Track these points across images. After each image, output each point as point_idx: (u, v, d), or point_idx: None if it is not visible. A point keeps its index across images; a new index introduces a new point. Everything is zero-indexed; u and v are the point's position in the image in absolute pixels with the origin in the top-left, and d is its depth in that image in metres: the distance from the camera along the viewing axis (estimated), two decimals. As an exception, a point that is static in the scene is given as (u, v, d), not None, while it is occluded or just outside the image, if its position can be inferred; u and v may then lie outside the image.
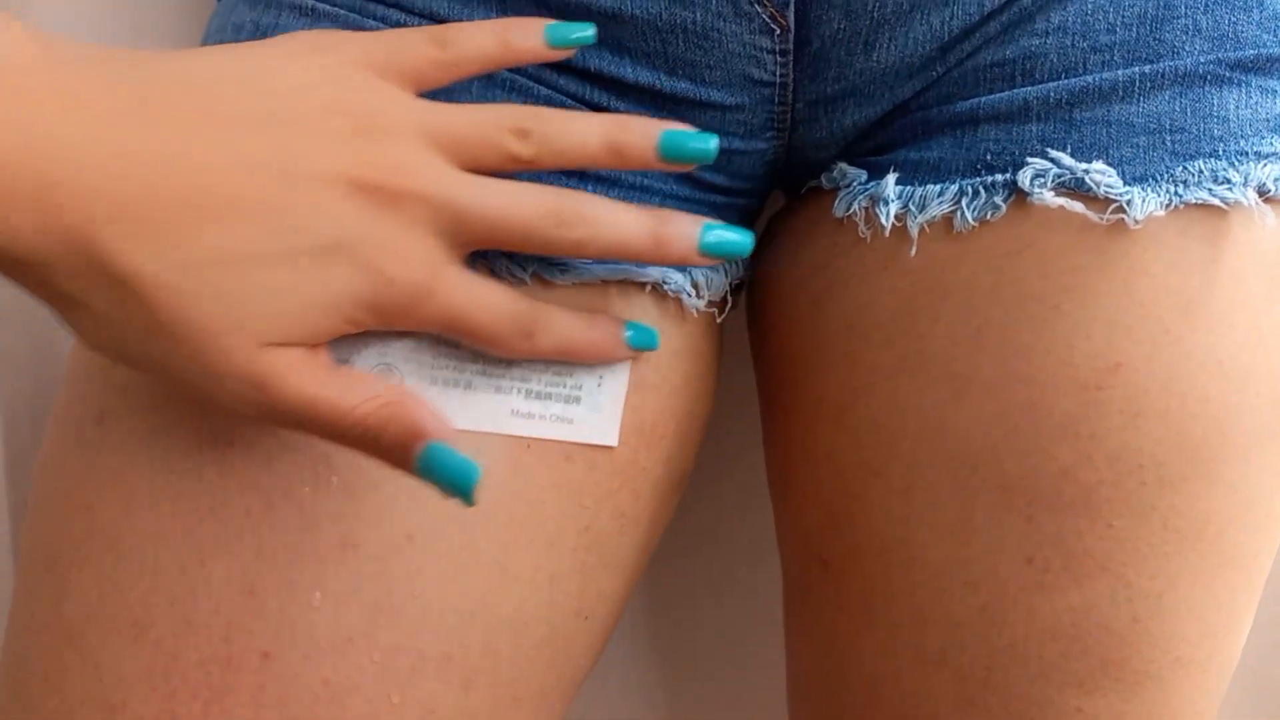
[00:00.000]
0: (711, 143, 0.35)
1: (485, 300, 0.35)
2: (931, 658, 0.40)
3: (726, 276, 0.44)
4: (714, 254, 0.36)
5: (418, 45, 0.34)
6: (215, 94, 0.31)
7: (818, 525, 0.43)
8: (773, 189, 0.45)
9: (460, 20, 0.38)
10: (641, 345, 0.38)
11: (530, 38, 0.35)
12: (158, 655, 0.35)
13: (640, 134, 0.35)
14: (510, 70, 0.38)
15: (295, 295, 0.31)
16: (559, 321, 0.36)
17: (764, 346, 0.46)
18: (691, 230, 0.36)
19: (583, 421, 0.38)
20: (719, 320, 0.43)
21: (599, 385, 0.38)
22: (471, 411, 0.37)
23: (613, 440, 0.39)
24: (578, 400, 0.38)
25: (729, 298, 0.43)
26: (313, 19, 0.38)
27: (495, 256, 0.38)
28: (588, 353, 0.37)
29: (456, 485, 0.32)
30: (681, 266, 0.41)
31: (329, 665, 0.35)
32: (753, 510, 0.53)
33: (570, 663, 0.41)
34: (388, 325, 0.34)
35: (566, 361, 0.38)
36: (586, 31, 0.36)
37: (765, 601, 0.51)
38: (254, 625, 0.35)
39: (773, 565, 0.47)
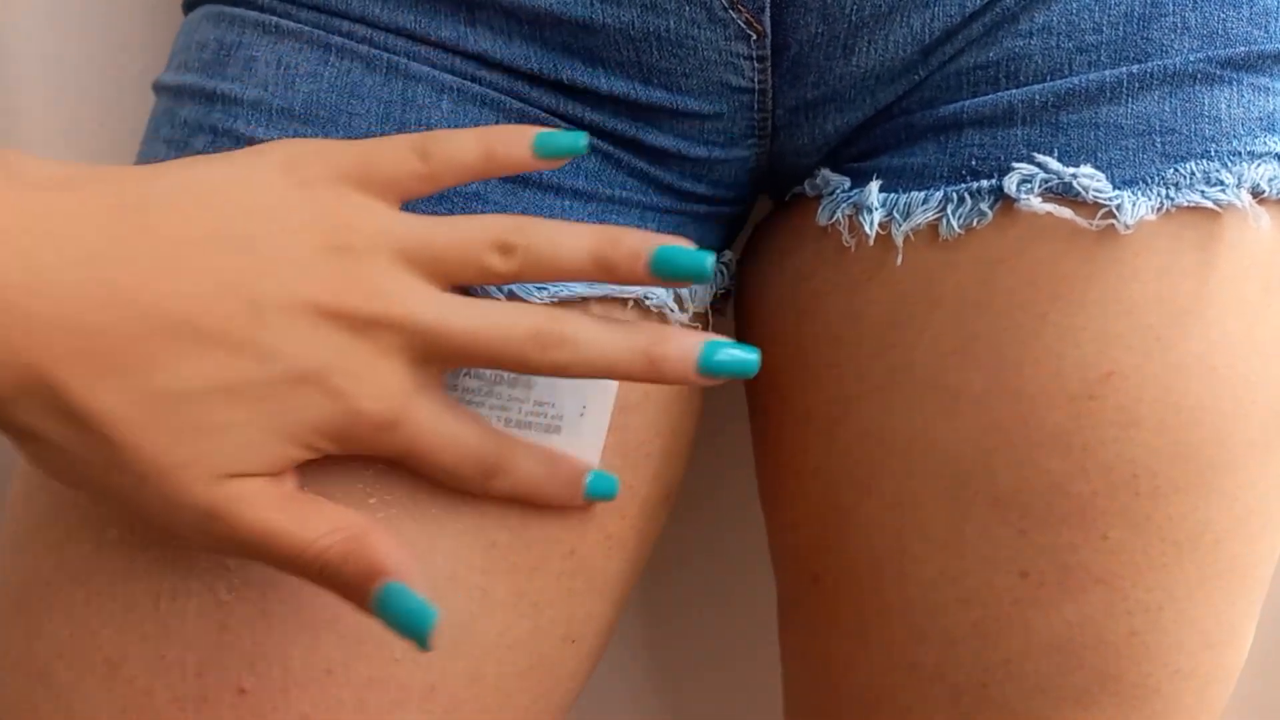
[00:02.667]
0: (708, 261, 0.33)
1: (452, 439, 0.33)
2: (927, 674, 0.39)
3: (711, 287, 0.43)
4: (715, 374, 0.34)
5: (398, 158, 0.33)
6: (180, 217, 0.30)
7: (809, 541, 0.42)
8: (757, 196, 0.44)
9: (429, 34, 0.37)
10: (598, 495, 0.37)
11: (517, 148, 0.33)
12: (130, 693, 0.34)
13: (630, 251, 0.33)
14: (482, 85, 0.37)
15: (258, 426, 0.30)
16: (522, 468, 0.35)
17: None
18: (692, 350, 0.33)
19: (562, 451, 0.37)
20: None
21: (581, 415, 0.37)
22: None
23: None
24: (558, 430, 0.37)
25: (711, 313, 0.42)
26: (276, 36, 0.37)
27: None
28: (541, 502, 0.36)
29: (411, 629, 0.30)
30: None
31: (307, 699, 0.34)
32: (745, 525, 0.52)
33: (558, 687, 0.40)
34: (347, 452, 0.32)
35: (559, 383, 0.37)
36: (579, 141, 0.34)
37: (760, 617, 0.50)
38: (228, 660, 0.34)
39: (766, 581, 0.46)
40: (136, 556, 0.34)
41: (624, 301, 0.39)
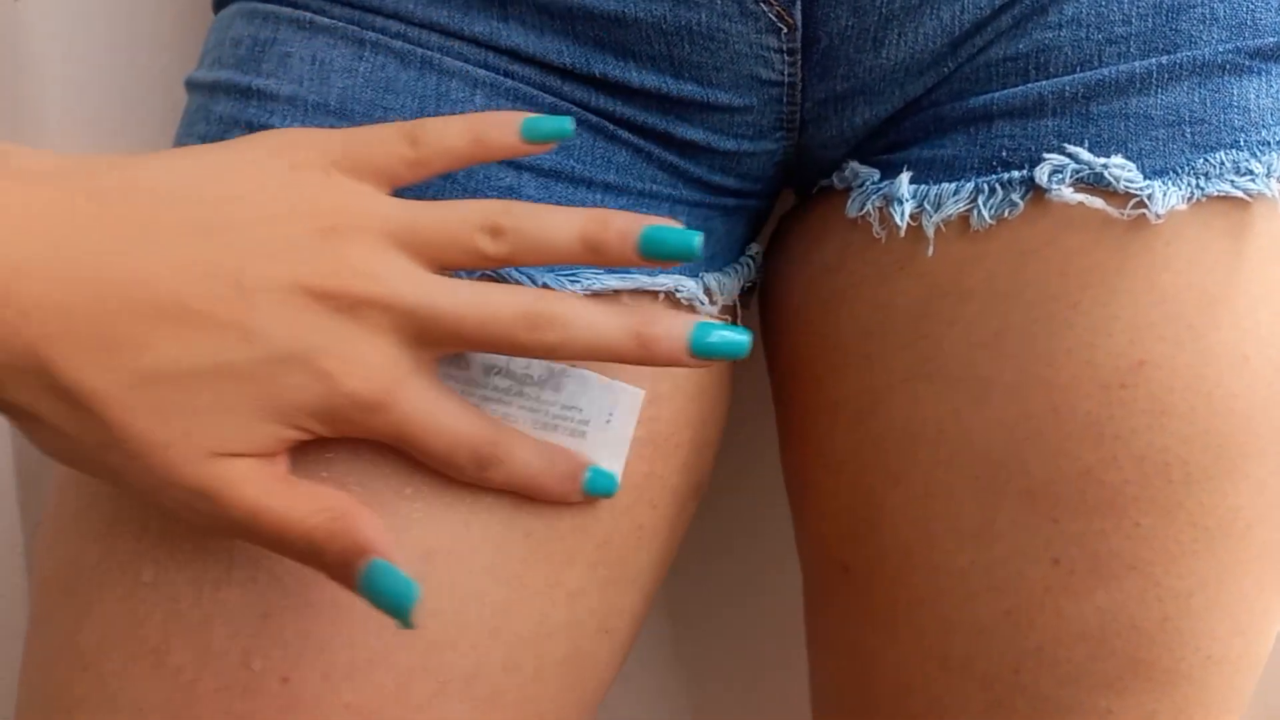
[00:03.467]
0: (695, 240, 0.33)
1: (443, 424, 0.34)
2: (957, 664, 0.39)
3: (739, 279, 0.43)
4: (707, 355, 0.34)
5: (387, 143, 0.33)
6: (170, 203, 0.31)
7: (838, 532, 0.42)
8: (783, 188, 0.44)
9: (462, 29, 0.37)
10: (597, 492, 0.37)
11: (505, 134, 0.34)
12: (176, 683, 0.34)
13: (619, 233, 0.33)
14: (515, 80, 0.37)
15: (245, 407, 0.31)
16: (518, 458, 0.35)
17: (777, 350, 0.45)
18: (681, 330, 0.34)
19: (579, 450, 0.37)
20: None
21: (607, 422, 0.37)
22: None
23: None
24: (583, 434, 0.37)
25: (739, 304, 0.43)
26: (310, 32, 0.37)
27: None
28: (536, 495, 0.36)
29: (394, 606, 0.31)
30: (693, 270, 0.40)
31: (350, 688, 0.35)
32: (772, 516, 0.52)
33: (593, 678, 0.40)
34: (338, 434, 0.33)
35: (588, 388, 0.37)
36: (566, 126, 0.34)
37: (786, 609, 0.50)
38: (272, 649, 0.34)
39: (792, 572, 0.47)
40: (179, 546, 0.34)
41: (655, 294, 0.39)
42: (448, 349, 0.34)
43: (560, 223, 0.33)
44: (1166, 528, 0.36)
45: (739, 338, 0.34)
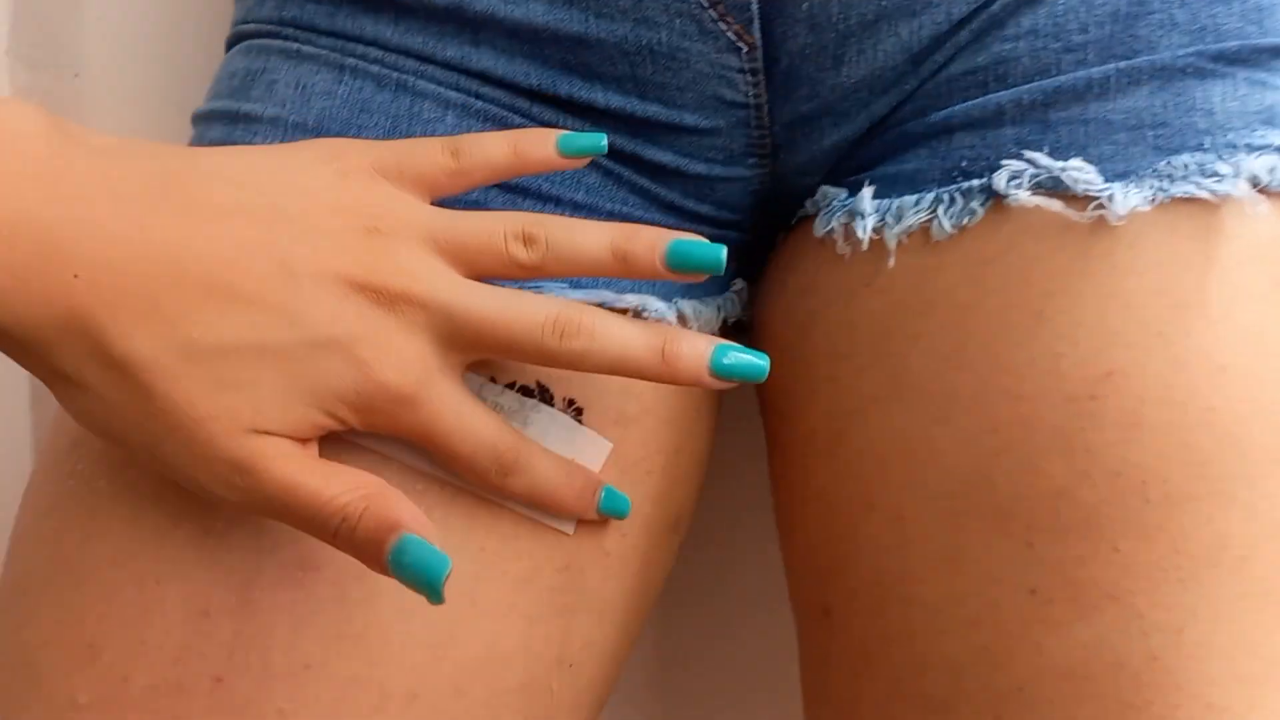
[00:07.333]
0: (721, 252, 0.35)
1: (471, 427, 0.34)
2: (936, 707, 0.36)
3: (719, 313, 0.43)
4: (728, 376, 0.35)
5: (431, 154, 0.35)
6: (225, 187, 0.32)
7: (819, 568, 0.40)
8: (764, 221, 0.44)
9: (435, 54, 0.38)
10: (610, 511, 0.37)
11: (542, 147, 0.36)
12: (108, 679, 0.34)
13: (647, 244, 0.35)
14: (485, 101, 0.39)
15: (283, 386, 0.32)
16: (539, 469, 0.36)
17: (762, 384, 0.44)
18: (704, 349, 0.35)
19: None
20: None
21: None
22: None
23: (568, 528, 0.38)
24: None
25: (719, 332, 0.42)
26: (296, 60, 0.39)
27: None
28: (555, 508, 0.37)
29: (424, 579, 0.31)
30: (666, 294, 0.40)
31: (284, 693, 0.34)
32: (767, 563, 0.50)
33: (556, 714, 0.39)
34: (370, 427, 0.33)
35: (550, 420, 0.37)
36: (600, 141, 0.36)
37: (778, 658, 0.48)
38: (206, 648, 0.34)
39: (784, 616, 0.45)
40: (124, 545, 0.35)
41: (622, 310, 0.39)
42: (478, 352, 0.34)
43: (591, 234, 0.35)
44: (1147, 553, 0.34)
45: (758, 361, 0.35)
